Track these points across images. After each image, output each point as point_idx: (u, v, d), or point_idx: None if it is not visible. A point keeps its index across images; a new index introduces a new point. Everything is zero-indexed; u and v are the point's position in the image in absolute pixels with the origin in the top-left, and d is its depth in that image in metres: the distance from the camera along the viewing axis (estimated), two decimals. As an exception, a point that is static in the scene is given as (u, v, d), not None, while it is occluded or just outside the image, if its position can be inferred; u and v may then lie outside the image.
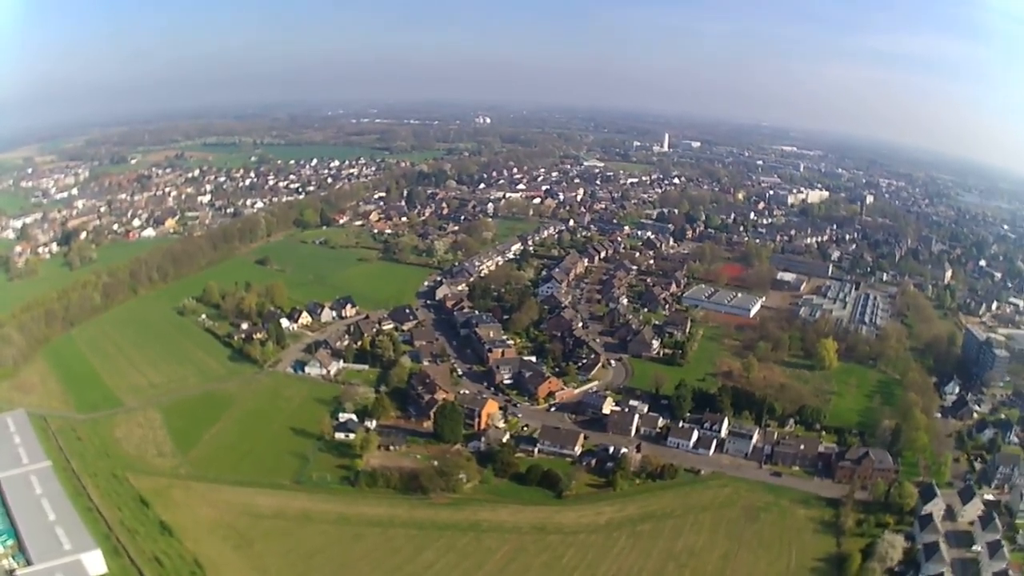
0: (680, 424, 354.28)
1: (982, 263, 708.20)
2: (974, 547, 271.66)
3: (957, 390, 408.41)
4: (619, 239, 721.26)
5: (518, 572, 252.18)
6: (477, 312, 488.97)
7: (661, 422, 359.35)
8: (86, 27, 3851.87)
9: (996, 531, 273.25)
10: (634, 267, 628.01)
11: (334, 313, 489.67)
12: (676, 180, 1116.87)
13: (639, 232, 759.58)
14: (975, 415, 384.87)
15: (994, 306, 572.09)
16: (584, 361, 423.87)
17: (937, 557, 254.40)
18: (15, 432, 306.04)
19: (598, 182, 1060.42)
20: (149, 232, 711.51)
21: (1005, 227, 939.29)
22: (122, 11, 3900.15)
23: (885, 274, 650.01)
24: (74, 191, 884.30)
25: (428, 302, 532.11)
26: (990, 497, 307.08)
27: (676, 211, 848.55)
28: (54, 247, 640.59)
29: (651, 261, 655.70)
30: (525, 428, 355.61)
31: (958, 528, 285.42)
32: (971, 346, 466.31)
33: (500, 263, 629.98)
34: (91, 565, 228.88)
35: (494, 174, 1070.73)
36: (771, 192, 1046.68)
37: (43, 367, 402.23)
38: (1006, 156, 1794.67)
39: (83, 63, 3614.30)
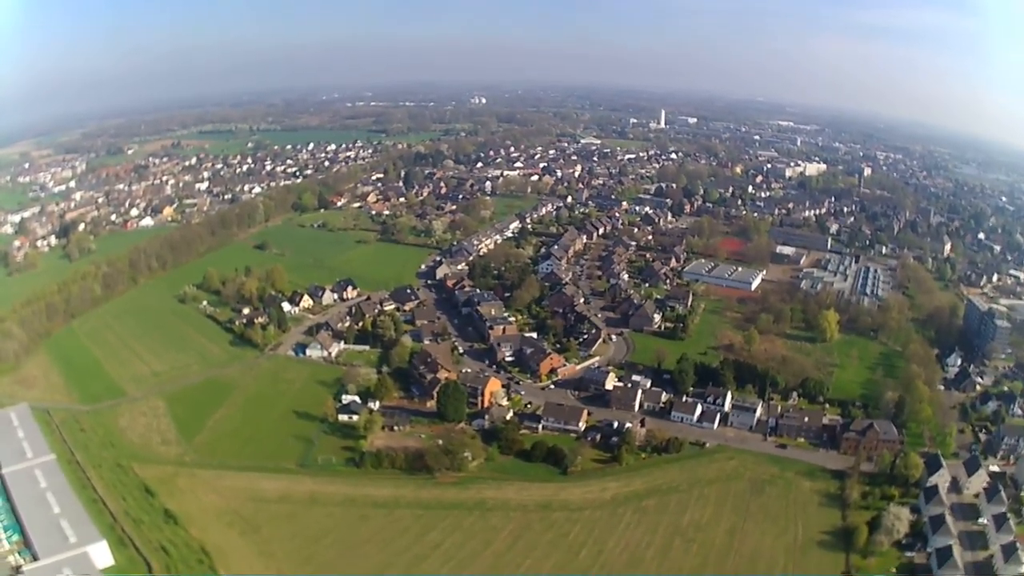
0: (683, 398, 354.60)
1: (981, 235, 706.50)
2: (980, 519, 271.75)
3: (959, 362, 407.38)
4: (617, 215, 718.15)
5: (524, 550, 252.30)
6: (478, 290, 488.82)
7: (664, 397, 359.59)
8: (80, 22, 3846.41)
9: (1002, 503, 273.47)
10: (633, 243, 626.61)
11: (335, 295, 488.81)
12: (674, 155, 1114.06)
13: (637, 207, 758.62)
14: (978, 387, 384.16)
15: (995, 278, 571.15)
16: (585, 336, 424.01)
17: (944, 529, 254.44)
18: (18, 427, 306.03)
19: (595, 159, 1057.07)
20: (147, 221, 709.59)
21: (1003, 199, 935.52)
22: (116, 6, 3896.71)
23: (884, 247, 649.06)
24: (71, 184, 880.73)
25: (428, 282, 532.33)
26: (995, 468, 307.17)
27: (674, 186, 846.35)
28: (53, 240, 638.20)
29: (650, 236, 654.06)
30: (528, 405, 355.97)
31: (963, 500, 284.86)
32: (973, 317, 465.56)
33: (499, 241, 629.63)
34: (97, 557, 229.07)
35: (491, 153, 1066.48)
36: (769, 166, 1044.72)
37: (45, 360, 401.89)
38: (1003, 129, 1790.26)
39: (78, 58, 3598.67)
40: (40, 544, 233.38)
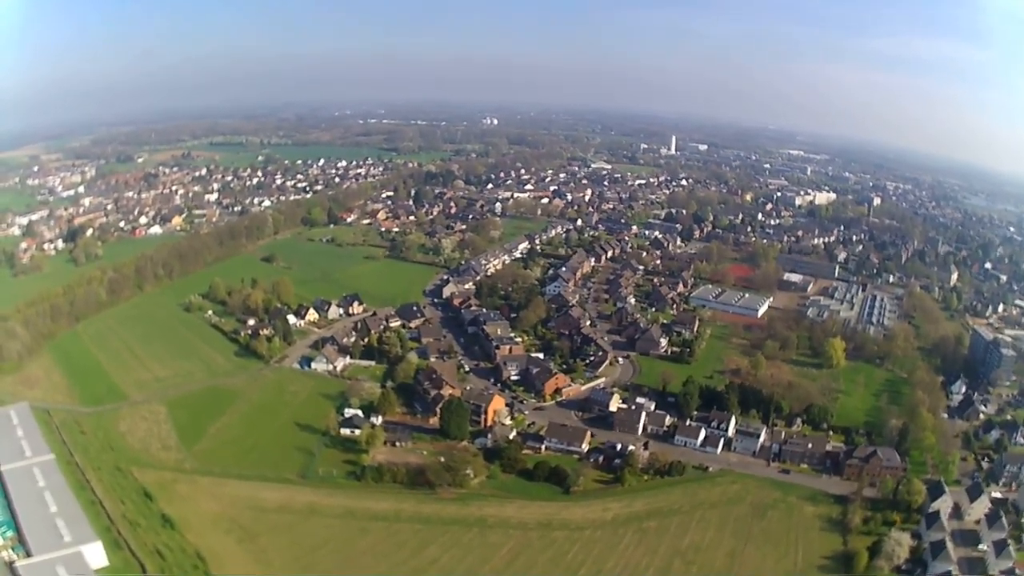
0: (687, 422, 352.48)
1: (988, 265, 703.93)
2: (980, 546, 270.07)
3: (964, 390, 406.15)
4: (626, 239, 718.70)
5: (523, 567, 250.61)
6: (484, 310, 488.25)
7: (668, 420, 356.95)
8: (93, 26, 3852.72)
9: (1002, 530, 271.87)
10: (641, 267, 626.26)
11: (341, 310, 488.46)
12: (684, 182, 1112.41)
13: (647, 232, 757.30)
14: (981, 415, 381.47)
15: (1000, 308, 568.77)
16: (592, 358, 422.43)
17: (944, 555, 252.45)
18: (18, 425, 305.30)
19: (606, 183, 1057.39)
20: (156, 229, 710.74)
21: (1011, 230, 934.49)
22: (128, 10, 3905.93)
23: (891, 275, 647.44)
24: (80, 189, 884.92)
25: (435, 300, 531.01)
26: (998, 495, 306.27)
27: (684, 212, 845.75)
28: (60, 244, 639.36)
29: (658, 261, 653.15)
30: (532, 425, 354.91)
31: (964, 527, 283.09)
32: (978, 346, 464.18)
33: (507, 262, 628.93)
34: (92, 557, 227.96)
35: (501, 175, 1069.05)
36: (778, 194, 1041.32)
37: (48, 361, 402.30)
38: (1013, 160, 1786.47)
39: (89, 62, 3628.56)
40: (35, 541, 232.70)
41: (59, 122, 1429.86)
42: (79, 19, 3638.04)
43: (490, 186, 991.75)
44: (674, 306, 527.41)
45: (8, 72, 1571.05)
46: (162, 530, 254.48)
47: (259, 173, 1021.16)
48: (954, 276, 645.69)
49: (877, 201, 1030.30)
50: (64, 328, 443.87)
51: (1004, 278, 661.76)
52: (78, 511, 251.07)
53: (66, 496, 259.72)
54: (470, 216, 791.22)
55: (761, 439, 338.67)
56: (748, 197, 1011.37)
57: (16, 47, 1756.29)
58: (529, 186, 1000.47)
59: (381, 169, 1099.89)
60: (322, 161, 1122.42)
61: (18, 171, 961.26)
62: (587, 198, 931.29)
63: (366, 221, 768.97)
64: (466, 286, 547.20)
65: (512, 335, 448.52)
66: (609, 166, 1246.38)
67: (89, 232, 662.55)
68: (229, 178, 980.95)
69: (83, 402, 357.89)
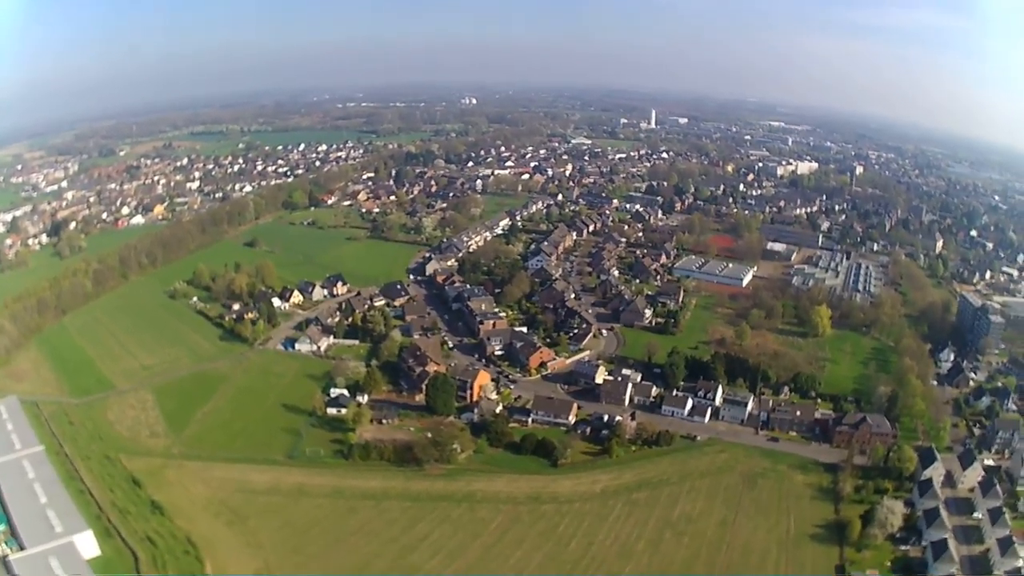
0: (674, 392, 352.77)
1: (973, 233, 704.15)
2: (975, 514, 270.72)
3: (952, 357, 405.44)
4: (608, 212, 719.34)
5: (514, 541, 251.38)
6: (468, 286, 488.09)
7: (655, 391, 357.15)
8: (73, 27, 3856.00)
9: (997, 497, 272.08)
10: (623, 239, 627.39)
11: (325, 291, 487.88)
12: (664, 155, 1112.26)
13: (628, 205, 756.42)
14: (971, 382, 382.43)
15: (987, 275, 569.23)
16: (576, 331, 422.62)
17: (939, 523, 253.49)
18: (7, 419, 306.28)
19: (586, 158, 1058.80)
20: (138, 219, 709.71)
21: (996, 198, 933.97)
22: (108, 11, 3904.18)
23: (876, 244, 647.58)
24: (63, 184, 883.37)
25: (418, 278, 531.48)
26: (990, 462, 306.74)
27: (665, 184, 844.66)
28: (44, 238, 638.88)
29: (640, 233, 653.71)
30: (518, 399, 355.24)
31: (958, 495, 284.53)
32: (966, 313, 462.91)
33: (488, 238, 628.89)
34: (84, 547, 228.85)
35: (482, 153, 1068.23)
36: (760, 164, 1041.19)
37: (36, 355, 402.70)
38: (997, 128, 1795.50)
39: (71, 63, 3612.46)
40: (26, 533, 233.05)
41: (42, 120, 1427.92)
42: (58, 20, 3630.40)
43: (470, 164, 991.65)
44: (658, 277, 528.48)
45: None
46: (152, 516, 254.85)
47: (240, 160, 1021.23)
48: (939, 244, 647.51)
49: (860, 170, 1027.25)
50: (51, 321, 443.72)
51: (990, 245, 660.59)
52: (68, 502, 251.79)
53: (56, 487, 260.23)
54: (451, 194, 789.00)
55: (749, 407, 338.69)
56: (729, 168, 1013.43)
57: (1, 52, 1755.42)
58: (509, 163, 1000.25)
59: (361, 151, 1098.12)
60: (302, 146, 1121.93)
61: (2, 169, 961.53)
62: (568, 173, 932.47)
63: (347, 203, 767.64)
64: (449, 263, 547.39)
65: (496, 310, 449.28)
66: (589, 141, 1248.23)
67: (72, 225, 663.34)
68: (210, 166, 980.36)
69: (71, 393, 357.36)
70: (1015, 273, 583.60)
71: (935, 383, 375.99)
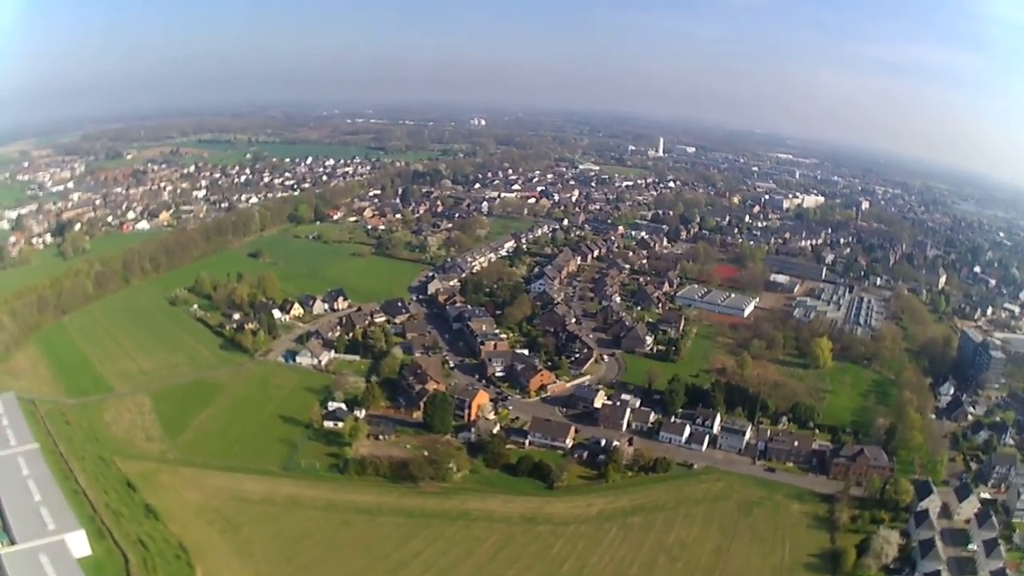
0: (672, 419, 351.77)
1: (977, 269, 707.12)
2: (970, 545, 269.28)
3: (952, 391, 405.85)
4: (613, 239, 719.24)
5: (507, 561, 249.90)
6: (469, 306, 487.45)
7: (653, 417, 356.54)
8: (84, 24, 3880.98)
9: (992, 529, 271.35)
10: (627, 266, 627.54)
11: (326, 305, 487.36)
12: (671, 183, 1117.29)
13: (633, 232, 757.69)
14: (970, 417, 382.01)
15: (989, 311, 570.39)
16: (577, 355, 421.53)
17: (933, 554, 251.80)
18: (3, 414, 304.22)
19: (593, 184, 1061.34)
20: (143, 224, 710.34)
21: (1001, 234, 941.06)
22: (120, 9, 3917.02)
23: (879, 278, 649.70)
24: (70, 184, 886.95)
25: (420, 297, 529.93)
26: (986, 496, 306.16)
27: (671, 213, 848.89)
28: (48, 238, 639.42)
29: (644, 261, 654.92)
30: (516, 420, 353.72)
31: (954, 526, 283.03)
32: (967, 348, 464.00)
33: (492, 260, 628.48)
34: (75, 546, 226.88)
35: (489, 175, 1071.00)
36: (766, 196, 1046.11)
37: (34, 352, 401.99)
38: (1004, 166, 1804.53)
39: (80, 60, 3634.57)
40: (18, 529, 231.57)
41: (50, 119, 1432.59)
42: (70, 18, 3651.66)
43: (477, 185, 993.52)
44: (660, 305, 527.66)
45: (0, 70, 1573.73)
46: (145, 520, 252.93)
47: (247, 170, 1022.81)
48: (942, 279, 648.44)
49: (865, 205, 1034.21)
50: (51, 320, 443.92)
51: (993, 282, 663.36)
52: (62, 500, 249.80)
53: (50, 485, 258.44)
54: (456, 215, 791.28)
55: (746, 437, 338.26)
56: (736, 199, 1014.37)
57: (7, 44, 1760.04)
58: (516, 186, 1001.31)
59: (369, 168, 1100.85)
60: (310, 159, 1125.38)
61: (8, 166, 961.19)
62: (574, 199, 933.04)
63: (353, 219, 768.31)
64: (451, 283, 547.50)
65: (497, 331, 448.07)
66: (597, 167, 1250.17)
67: (77, 227, 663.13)
68: (217, 175, 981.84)
69: (68, 393, 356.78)
70: (1016, 310, 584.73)
71: (934, 416, 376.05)
